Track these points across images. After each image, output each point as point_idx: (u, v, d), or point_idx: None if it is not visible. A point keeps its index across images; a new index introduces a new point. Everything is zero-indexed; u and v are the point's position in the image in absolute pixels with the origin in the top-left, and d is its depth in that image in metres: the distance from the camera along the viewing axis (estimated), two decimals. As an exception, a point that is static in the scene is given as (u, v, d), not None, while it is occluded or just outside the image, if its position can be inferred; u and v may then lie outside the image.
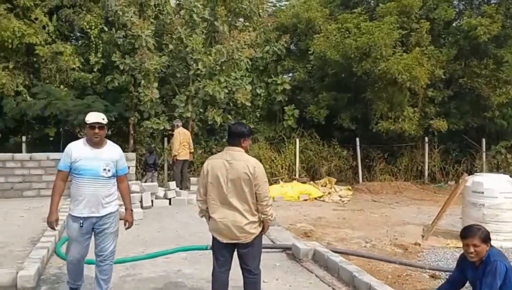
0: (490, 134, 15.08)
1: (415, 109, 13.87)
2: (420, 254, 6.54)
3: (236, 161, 3.70)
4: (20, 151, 11.73)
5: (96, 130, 4.00)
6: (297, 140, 14.08)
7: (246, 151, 3.83)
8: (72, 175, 4.07)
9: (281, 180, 13.09)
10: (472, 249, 3.16)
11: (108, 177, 4.07)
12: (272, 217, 3.78)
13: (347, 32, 13.76)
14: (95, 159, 4.02)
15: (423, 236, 7.49)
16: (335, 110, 14.68)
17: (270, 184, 12.73)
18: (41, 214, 7.46)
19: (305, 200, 11.46)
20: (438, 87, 14.46)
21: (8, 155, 10.16)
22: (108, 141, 4.22)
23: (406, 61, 12.79)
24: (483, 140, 14.42)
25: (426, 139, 14.41)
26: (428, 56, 13.59)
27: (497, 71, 13.71)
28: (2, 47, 11.96)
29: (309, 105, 14.66)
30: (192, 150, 11.95)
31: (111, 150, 4.18)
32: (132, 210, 4.30)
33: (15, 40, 11.91)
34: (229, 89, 12.73)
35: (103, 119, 4.04)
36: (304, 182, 12.76)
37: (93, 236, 4.20)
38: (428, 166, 14.40)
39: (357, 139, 14.16)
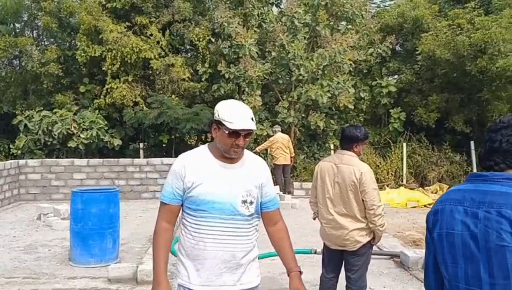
0: None
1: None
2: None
3: (344, 166, 3.56)
4: (138, 157, 12.81)
5: (241, 142, 2.19)
6: (404, 144, 13.46)
7: (359, 156, 3.66)
8: (184, 213, 2.31)
9: (387, 186, 12.59)
10: None
11: (249, 215, 2.26)
12: (382, 227, 3.55)
13: (459, 29, 12.87)
14: (228, 183, 2.23)
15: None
16: (446, 112, 13.79)
17: (375, 190, 12.33)
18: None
19: (414, 207, 10.90)
20: None
21: (128, 160, 11.18)
22: (246, 151, 2.35)
23: (529, 55, 11.59)
24: None
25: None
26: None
27: None
28: (122, 62, 13.19)
29: (417, 108, 13.95)
30: (293, 155, 11.98)
31: (254, 167, 2.34)
32: (301, 272, 2.38)
33: (133, 55, 13.06)
34: (332, 93, 12.62)
35: (252, 119, 2.22)
36: (412, 189, 12.16)
37: None
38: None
39: (472, 143, 13.10)
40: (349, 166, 3.55)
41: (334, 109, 13.85)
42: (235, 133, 2.17)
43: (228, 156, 2.24)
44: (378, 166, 13.27)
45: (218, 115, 2.21)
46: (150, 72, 14.05)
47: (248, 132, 2.20)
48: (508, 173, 1.61)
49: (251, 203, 2.25)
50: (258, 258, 2.43)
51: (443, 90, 13.81)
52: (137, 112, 13.32)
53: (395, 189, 12.06)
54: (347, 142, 3.63)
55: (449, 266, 1.64)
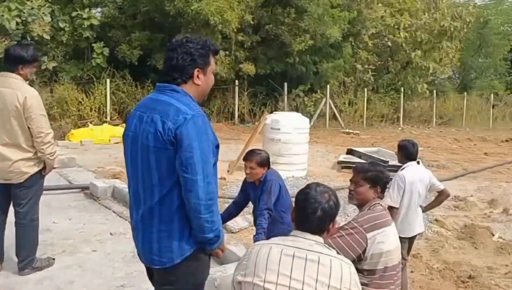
0: (292, 79, 16.53)
1: (227, 52, 14.31)
2: (224, 187, 6.91)
3: (6, 89, 3.21)
4: None
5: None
6: (108, 81, 13.28)
7: (26, 80, 3.33)
8: None
9: (91, 123, 12.30)
10: (248, 171, 3.43)
11: None
12: (52, 156, 3.38)
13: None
14: None
15: (228, 171, 7.93)
16: (149, 50, 14.20)
17: (78, 127, 11.88)
18: None
19: (117, 143, 11.01)
20: (248, 32, 15.11)
21: None
22: None
23: (218, 3, 12.94)
24: (285, 84, 15.79)
25: (237, 82, 15.11)
26: (238, 0, 13.97)
27: (298, 20, 14.90)
28: None
29: (121, 44, 13.86)
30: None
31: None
32: None
33: None
34: (23, 19, 11.11)
35: None
36: (116, 125, 12.24)
37: None
38: (238, 108, 15.24)
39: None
40: (12, 90, 3.22)
41: (28, 39, 12.29)
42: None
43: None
44: (80, 102, 12.77)
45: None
46: None
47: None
48: (174, 86, 1.85)
49: None
50: None
51: (146, 28, 14.11)
52: None
53: (99, 126, 11.90)
54: (12, 63, 3.27)
55: (126, 162, 1.96)
